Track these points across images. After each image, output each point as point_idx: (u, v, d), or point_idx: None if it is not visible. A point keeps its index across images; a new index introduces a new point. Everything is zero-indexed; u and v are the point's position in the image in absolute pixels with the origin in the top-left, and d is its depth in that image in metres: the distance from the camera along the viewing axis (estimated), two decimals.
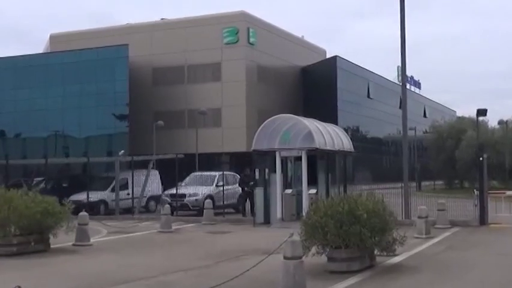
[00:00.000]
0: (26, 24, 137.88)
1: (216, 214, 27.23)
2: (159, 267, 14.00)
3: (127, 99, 52.89)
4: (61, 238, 17.37)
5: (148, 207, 32.22)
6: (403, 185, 25.09)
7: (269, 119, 24.34)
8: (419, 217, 19.35)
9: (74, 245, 18.26)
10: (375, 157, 71.09)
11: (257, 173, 24.77)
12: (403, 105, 26.61)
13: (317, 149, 23.19)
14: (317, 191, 23.46)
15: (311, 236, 12.58)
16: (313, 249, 12.64)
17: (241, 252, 16.33)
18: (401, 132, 26.78)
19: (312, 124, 24.20)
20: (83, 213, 18.93)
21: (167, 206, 23.17)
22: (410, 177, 33.05)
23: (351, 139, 27.67)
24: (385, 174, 59.25)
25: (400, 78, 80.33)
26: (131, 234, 21.65)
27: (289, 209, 23.99)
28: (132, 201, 29.79)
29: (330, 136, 24.59)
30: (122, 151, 38.96)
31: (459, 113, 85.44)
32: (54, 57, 57.75)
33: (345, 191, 24.82)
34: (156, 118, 51.41)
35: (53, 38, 65.07)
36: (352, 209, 12.55)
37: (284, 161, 25.23)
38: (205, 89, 57.09)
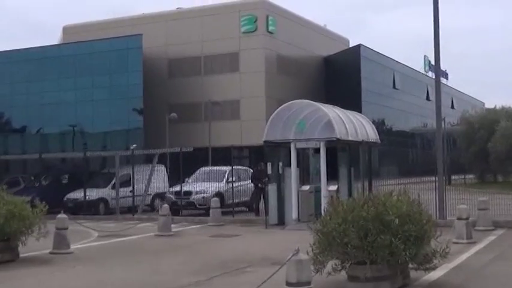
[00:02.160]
0: (41, 17, 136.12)
1: (226, 213, 24.44)
2: (138, 285, 11.19)
3: (141, 92, 50.34)
4: (37, 245, 14.65)
5: (153, 206, 29.10)
6: (436, 179, 21.86)
7: (283, 106, 21.35)
8: (459, 218, 16.21)
9: (51, 253, 15.50)
10: (401, 150, 67.95)
11: (269, 167, 21.76)
12: (436, 96, 23.22)
13: (338, 139, 20.13)
14: (338, 188, 20.49)
15: (326, 248, 9.66)
16: (329, 265, 9.73)
17: (245, 263, 13.47)
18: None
19: (332, 112, 21.19)
20: (61, 216, 16.05)
21: (165, 205, 20.17)
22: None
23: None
24: (411, 168, 56.21)
25: (426, 68, 78.36)
26: (123, 239, 18.79)
27: (306, 208, 20.98)
28: (133, 199, 26.82)
29: (353, 125, 21.55)
30: (134, 145, 36.55)
31: (487, 105, 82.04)
32: (66, 48, 55.78)
33: (369, 187, 21.83)
34: (172, 111, 49.20)
35: (66, 30, 63.53)
36: (380, 212, 9.59)
37: (301, 153, 22.34)
38: (223, 80, 54.71)
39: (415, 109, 73.91)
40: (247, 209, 26.82)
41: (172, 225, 21.45)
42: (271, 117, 21.33)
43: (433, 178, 22.45)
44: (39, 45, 55.68)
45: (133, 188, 26.72)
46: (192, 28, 55.30)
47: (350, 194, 20.30)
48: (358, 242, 9.41)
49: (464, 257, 13.61)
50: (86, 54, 52.74)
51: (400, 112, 70.58)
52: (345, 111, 22.49)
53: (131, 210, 27.20)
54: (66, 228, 15.90)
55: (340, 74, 61.31)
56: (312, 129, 20.86)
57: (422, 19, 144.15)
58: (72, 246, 16.27)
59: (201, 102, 54.01)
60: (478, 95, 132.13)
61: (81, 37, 55.89)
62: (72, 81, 52.60)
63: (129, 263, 14.18)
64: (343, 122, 20.91)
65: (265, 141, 21.35)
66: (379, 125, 60.27)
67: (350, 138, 20.80)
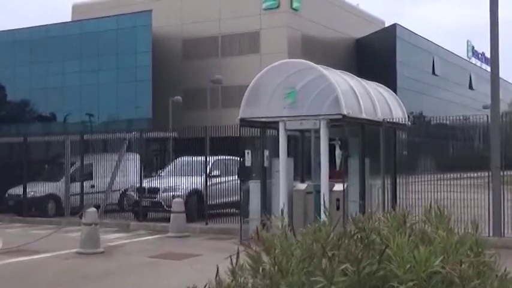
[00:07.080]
0: None
1: (208, 216, 18.42)
2: None
3: (150, 75, 45.82)
4: None
5: (123, 205, 22.73)
6: (489, 175, 15.49)
7: (269, 68, 15.11)
8: None
9: None
10: (440, 143, 61.63)
11: (248, 157, 15.45)
12: (492, 84, 16.67)
13: (345, 116, 13.67)
14: (346, 187, 14.13)
15: None
16: None
17: None
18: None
19: (339, 78, 14.83)
20: None
21: (91, 210, 14.06)
22: (481, 167, 23.98)
23: (413, 122, 18.10)
24: (451, 163, 50.06)
25: (469, 54, 71.65)
26: (22, 259, 12.69)
27: (302, 215, 14.55)
28: (81, 197, 20.58)
29: (370, 99, 15.09)
30: (134, 132, 31.25)
31: None
32: (72, 27, 51.45)
33: (393, 186, 15.54)
34: (186, 96, 44.80)
35: (76, 8, 60.02)
36: (381, 269, 3.39)
37: (300, 139, 16.21)
38: (242, 62, 49.44)
39: (456, 98, 67.48)
40: (238, 212, 20.46)
41: (124, 235, 15.60)
42: (251, 85, 15.00)
43: (476, 174, 16.40)
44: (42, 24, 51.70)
45: (81, 183, 20.64)
46: (208, 5, 50.57)
47: (363, 197, 14.15)
48: None
49: None
50: (92, 33, 48.93)
51: (440, 101, 64.26)
52: (361, 80, 16.09)
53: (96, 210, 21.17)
54: None
55: (373, 58, 55.37)
56: (310, 103, 14.59)
57: (464, 4, 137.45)
58: None
59: (218, 87, 48.81)
60: None
61: (91, 16, 51.55)
62: (77, 63, 48.77)
63: None
64: (356, 93, 14.51)
65: (241, 120, 15.03)
66: (417, 115, 54.47)
67: (364, 116, 14.31)
